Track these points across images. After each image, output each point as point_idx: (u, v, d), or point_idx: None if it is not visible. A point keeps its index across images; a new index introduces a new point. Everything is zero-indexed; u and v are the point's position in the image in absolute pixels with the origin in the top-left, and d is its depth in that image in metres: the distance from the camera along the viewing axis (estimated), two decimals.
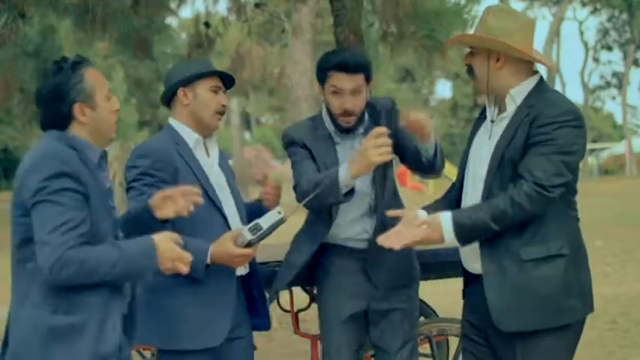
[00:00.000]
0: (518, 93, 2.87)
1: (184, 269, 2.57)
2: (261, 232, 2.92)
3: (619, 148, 45.29)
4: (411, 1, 4.97)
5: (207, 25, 7.93)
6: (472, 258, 2.89)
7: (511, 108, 2.88)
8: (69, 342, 2.41)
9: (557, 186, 2.71)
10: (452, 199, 3.07)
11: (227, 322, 3.14)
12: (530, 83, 2.88)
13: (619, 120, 58.54)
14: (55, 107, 2.56)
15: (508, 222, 2.71)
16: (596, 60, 50.61)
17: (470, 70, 2.96)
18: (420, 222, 2.77)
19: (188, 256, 2.58)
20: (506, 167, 2.81)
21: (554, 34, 39.56)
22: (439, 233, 2.74)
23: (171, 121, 3.30)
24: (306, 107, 12.27)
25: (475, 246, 2.83)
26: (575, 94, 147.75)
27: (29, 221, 2.42)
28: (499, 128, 2.88)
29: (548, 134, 2.72)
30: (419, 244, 2.79)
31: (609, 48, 49.17)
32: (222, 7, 21.06)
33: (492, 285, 2.76)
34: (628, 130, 46.23)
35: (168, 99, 3.31)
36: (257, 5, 8.08)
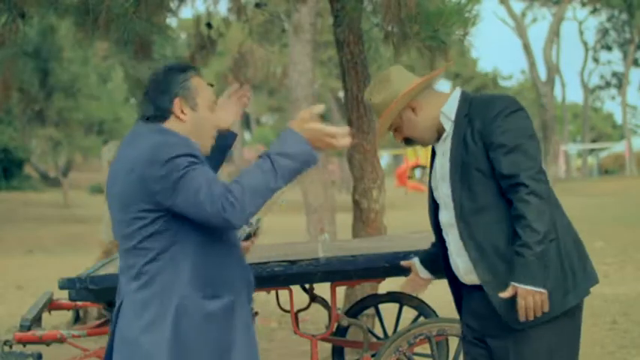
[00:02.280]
0: (448, 109, 2.92)
1: (339, 143, 2.55)
2: (255, 227, 3.09)
3: (619, 147, 45.30)
4: (416, 1, 4.97)
5: (209, 26, 7.92)
6: (466, 271, 2.91)
7: (448, 125, 2.92)
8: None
9: (540, 171, 2.74)
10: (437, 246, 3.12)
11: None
12: (454, 97, 2.94)
13: (619, 120, 58.57)
14: (158, 99, 2.62)
15: (545, 227, 2.70)
16: (595, 60, 50.63)
17: (408, 140, 3.04)
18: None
19: (332, 130, 2.54)
20: (470, 178, 2.83)
21: (554, 34, 39.56)
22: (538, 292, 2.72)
23: None
24: (306, 107, 12.25)
25: (466, 259, 2.87)
26: (575, 94, 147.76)
27: (154, 215, 2.47)
28: (446, 147, 2.92)
29: (501, 127, 2.76)
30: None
31: (609, 48, 49.18)
32: (222, 8, 21.06)
33: (495, 291, 2.77)
34: (628, 130, 46.24)
35: None
36: (257, 5, 8.06)
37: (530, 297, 2.69)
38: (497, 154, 2.76)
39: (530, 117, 2.86)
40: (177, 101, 2.62)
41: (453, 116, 2.90)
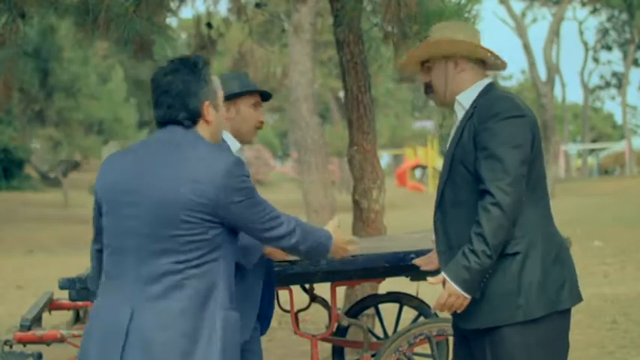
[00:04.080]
0: (465, 98, 2.90)
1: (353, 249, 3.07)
2: None
3: (618, 147, 45.33)
4: (416, 1, 4.97)
5: (209, 25, 7.92)
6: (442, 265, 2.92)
7: (460, 114, 2.90)
8: None
9: (512, 184, 2.68)
10: None
11: (255, 316, 3.28)
12: (478, 87, 2.90)
13: (619, 120, 58.55)
14: (191, 102, 2.54)
15: (497, 242, 2.68)
16: (595, 60, 50.66)
17: (429, 89, 2.98)
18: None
19: (354, 240, 3.06)
20: (455, 168, 2.83)
21: (554, 34, 39.52)
22: (463, 296, 2.74)
23: None
24: (306, 107, 12.27)
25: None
26: (575, 94, 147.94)
27: (208, 225, 2.48)
28: (453, 134, 2.92)
29: (492, 129, 2.73)
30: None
31: (609, 48, 49.20)
32: (222, 8, 21.07)
33: None
34: (628, 130, 46.26)
35: None
36: (257, 5, 8.07)
37: (454, 297, 2.71)
38: (480, 155, 2.75)
39: (528, 127, 2.78)
40: (207, 104, 2.57)
41: (467, 105, 2.88)
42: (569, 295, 2.80)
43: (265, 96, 3.53)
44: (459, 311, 2.76)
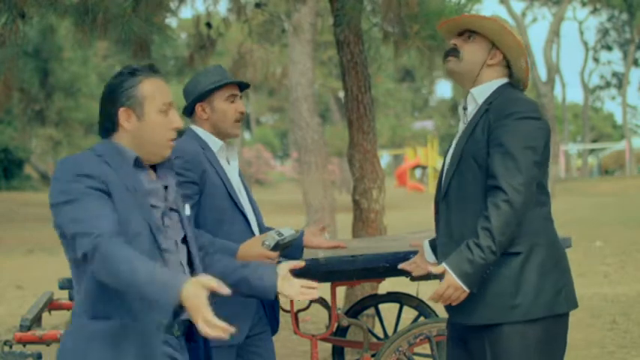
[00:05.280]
0: (479, 92, 2.89)
1: (205, 329, 2.16)
2: (283, 238, 3.09)
3: (618, 147, 45.31)
4: (417, 1, 4.97)
5: (208, 25, 7.92)
6: (441, 256, 2.91)
7: (471, 106, 2.90)
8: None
9: (525, 184, 2.69)
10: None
11: (249, 320, 3.29)
12: (494, 85, 2.89)
13: (619, 120, 58.55)
14: (105, 110, 2.53)
15: (504, 239, 2.69)
16: (596, 60, 50.66)
17: (453, 51, 2.92)
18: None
19: (209, 316, 2.15)
20: (464, 163, 2.82)
21: (554, 34, 39.51)
22: (462, 289, 2.73)
23: (194, 128, 3.42)
24: (306, 107, 12.27)
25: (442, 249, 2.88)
26: (575, 94, 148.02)
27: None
28: (462, 127, 2.92)
29: (508, 126, 2.73)
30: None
31: (609, 48, 49.20)
32: (222, 8, 21.07)
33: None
34: (628, 130, 46.25)
35: (190, 112, 3.45)
36: (257, 5, 8.06)
37: (452, 289, 2.71)
38: (494, 151, 2.75)
39: (545, 131, 2.79)
40: (122, 111, 2.50)
41: (480, 100, 2.88)
42: (565, 300, 2.82)
43: (242, 85, 3.44)
44: (453, 304, 2.76)
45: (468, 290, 2.71)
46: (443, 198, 2.89)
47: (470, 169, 2.82)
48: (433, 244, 3.18)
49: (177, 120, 2.56)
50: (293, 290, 2.61)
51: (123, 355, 2.37)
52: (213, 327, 2.14)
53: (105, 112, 2.54)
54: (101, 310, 2.39)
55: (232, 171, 3.43)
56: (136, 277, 2.21)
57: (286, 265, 2.69)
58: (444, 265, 2.73)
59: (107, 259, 2.25)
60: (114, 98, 2.51)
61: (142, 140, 2.52)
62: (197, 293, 2.15)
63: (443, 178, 2.95)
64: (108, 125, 2.53)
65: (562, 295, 2.81)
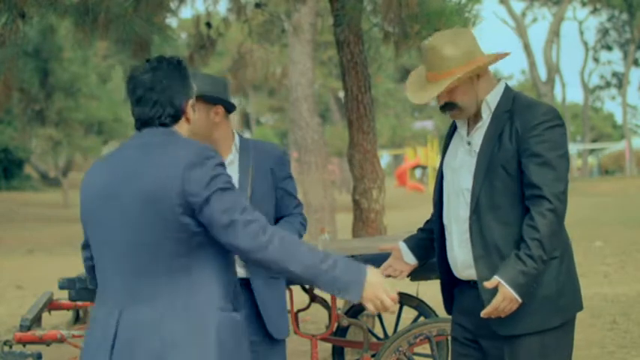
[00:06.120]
0: (492, 99, 2.90)
1: (390, 306, 2.46)
2: None
3: (618, 147, 45.32)
4: (417, 1, 4.97)
5: (208, 25, 7.93)
6: (465, 266, 2.90)
7: (485, 114, 2.90)
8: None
9: (565, 192, 2.76)
10: (431, 227, 3.10)
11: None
12: (499, 88, 2.92)
13: (619, 120, 58.58)
14: (168, 95, 2.48)
15: (552, 247, 2.74)
16: (596, 60, 50.65)
17: (448, 106, 2.90)
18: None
19: (394, 296, 2.47)
20: (494, 174, 2.82)
21: (554, 34, 39.56)
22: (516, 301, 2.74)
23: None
24: (306, 107, 12.27)
25: (468, 253, 2.86)
26: (575, 94, 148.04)
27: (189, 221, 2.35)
28: (477, 138, 2.89)
29: (541, 136, 2.76)
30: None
31: (609, 48, 49.20)
32: (222, 8, 21.06)
33: (490, 290, 2.76)
34: (628, 130, 46.25)
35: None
36: (257, 5, 8.07)
37: (508, 302, 2.72)
38: (529, 161, 2.77)
39: (566, 135, 2.86)
40: (190, 103, 2.54)
41: (493, 107, 2.89)
42: (580, 301, 2.91)
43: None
44: (503, 316, 2.76)
45: (520, 301, 2.73)
46: (474, 212, 2.85)
47: (501, 180, 2.82)
48: (411, 244, 3.17)
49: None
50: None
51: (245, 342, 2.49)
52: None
53: (168, 98, 2.48)
54: (225, 302, 2.43)
55: (233, 171, 3.43)
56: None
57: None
58: (497, 279, 2.73)
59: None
60: (186, 85, 2.52)
61: (191, 134, 2.58)
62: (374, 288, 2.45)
63: (461, 191, 2.90)
64: (170, 111, 2.49)
65: (578, 296, 2.90)
